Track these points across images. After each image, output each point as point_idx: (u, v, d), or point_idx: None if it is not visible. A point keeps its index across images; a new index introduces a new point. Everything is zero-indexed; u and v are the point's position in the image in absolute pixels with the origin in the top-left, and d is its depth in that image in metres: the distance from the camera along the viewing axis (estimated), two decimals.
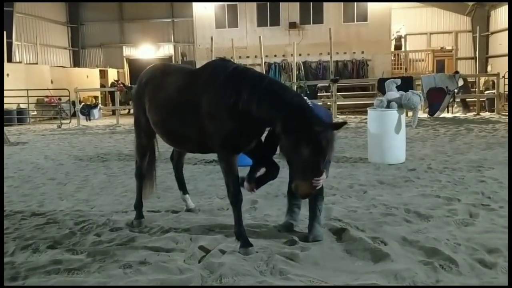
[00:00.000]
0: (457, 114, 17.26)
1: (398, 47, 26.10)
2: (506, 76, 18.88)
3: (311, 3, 23.67)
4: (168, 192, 6.34)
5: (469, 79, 20.94)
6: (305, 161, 3.61)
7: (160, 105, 4.50)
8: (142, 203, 5.12)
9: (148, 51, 30.70)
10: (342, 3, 23.54)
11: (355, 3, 23.54)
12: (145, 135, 4.93)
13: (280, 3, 23.88)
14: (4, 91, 16.83)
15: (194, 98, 4.18)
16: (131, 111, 23.88)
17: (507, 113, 16.47)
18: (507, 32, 21.99)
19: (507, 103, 17.81)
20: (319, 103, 19.40)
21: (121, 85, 22.01)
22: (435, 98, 16.55)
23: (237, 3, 24.10)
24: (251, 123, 3.97)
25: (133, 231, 4.71)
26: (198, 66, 24.52)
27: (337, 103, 18.18)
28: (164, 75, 4.63)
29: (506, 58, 21.69)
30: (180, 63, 23.89)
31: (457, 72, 18.16)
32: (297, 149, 3.61)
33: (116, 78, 26.45)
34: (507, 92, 18.59)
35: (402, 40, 26.34)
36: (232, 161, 4.12)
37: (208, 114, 4.07)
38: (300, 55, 22.49)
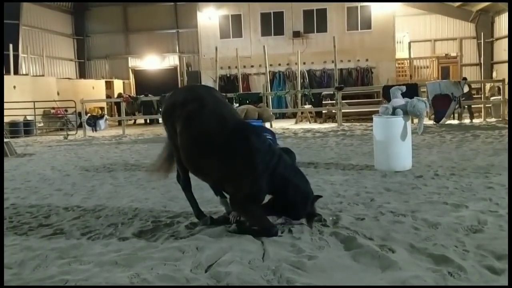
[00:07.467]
0: (464, 121, 17.20)
1: None
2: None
3: (314, 12, 23.77)
4: (173, 201, 6.34)
5: (474, 85, 20.89)
6: None
7: (190, 136, 4.73)
8: (201, 210, 5.28)
9: (154, 61, 30.93)
10: (345, 11, 23.63)
11: (359, 11, 23.62)
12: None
13: (284, 12, 24.01)
14: (11, 103, 17.00)
15: (225, 155, 4.63)
16: (137, 121, 24.12)
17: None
18: None
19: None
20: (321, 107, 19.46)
21: (127, 96, 22.13)
22: (441, 105, 16.52)
23: (241, 13, 24.25)
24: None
25: (139, 241, 4.71)
26: (203, 76, 24.47)
27: (342, 110, 18.18)
28: (201, 103, 4.77)
29: None
30: (185, 73, 23.95)
31: (464, 79, 18.13)
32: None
33: (121, 92, 26.55)
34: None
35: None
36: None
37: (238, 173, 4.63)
38: (304, 63, 22.59)
